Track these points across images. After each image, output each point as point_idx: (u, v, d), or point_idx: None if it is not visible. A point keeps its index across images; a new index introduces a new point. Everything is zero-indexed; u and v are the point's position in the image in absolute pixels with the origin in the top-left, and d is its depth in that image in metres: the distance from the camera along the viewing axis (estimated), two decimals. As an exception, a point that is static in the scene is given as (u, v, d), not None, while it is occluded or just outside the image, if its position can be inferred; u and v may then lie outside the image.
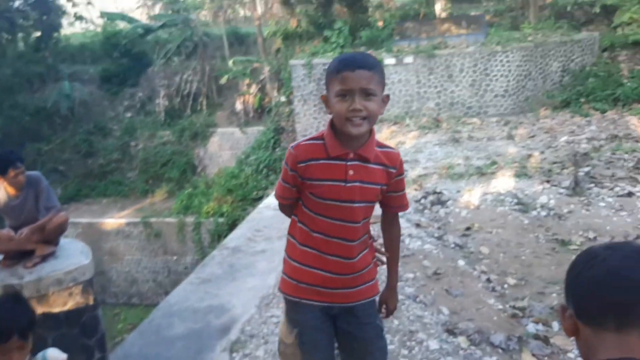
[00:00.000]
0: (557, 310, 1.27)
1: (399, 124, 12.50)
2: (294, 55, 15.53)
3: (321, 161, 1.98)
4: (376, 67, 1.89)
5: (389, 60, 13.41)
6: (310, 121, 14.12)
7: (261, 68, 17.17)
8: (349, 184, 1.97)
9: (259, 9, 19.72)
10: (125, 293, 14.96)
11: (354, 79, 1.84)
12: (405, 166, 8.68)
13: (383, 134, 11.57)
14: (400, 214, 2.22)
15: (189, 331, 4.48)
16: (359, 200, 1.99)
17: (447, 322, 4.10)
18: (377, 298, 2.26)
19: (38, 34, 19.56)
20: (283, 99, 15.78)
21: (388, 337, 3.78)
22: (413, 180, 7.83)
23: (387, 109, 13.36)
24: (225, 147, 16.95)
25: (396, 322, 3.98)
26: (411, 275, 4.80)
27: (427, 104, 13.42)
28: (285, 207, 2.21)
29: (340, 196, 1.98)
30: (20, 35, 19.46)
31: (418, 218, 6.30)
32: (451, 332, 3.94)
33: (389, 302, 2.28)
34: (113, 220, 14.83)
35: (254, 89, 17.28)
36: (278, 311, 4.32)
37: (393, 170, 2.02)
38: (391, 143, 10.52)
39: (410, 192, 7.32)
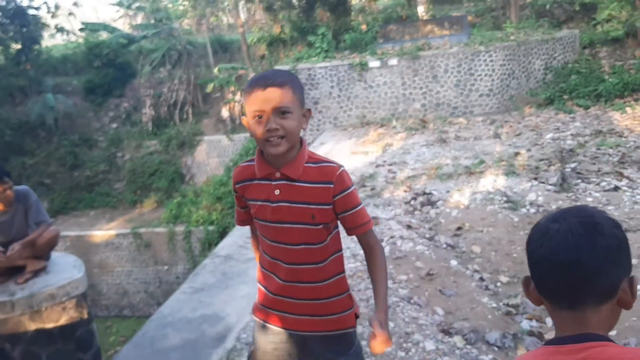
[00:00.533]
0: (522, 282, 1.27)
1: (386, 126, 12.55)
2: (278, 61, 15.55)
3: (255, 181, 1.95)
4: (288, 82, 1.82)
5: (373, 63, 13.46)
6: (297, 126, 14.11)
7: (246, 75, 17.16)
8: (274, 204, 1.90)
9: (242, 16, 19.73)
10: (117, 305, 14.84)
11: (266, 99, 1.78)
12: (394, 168, 8.72)
13: (370, 137, 11.60)
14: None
15: (184, 342, 4.46)
16: (290, 221, 1.90)
17: (442, 322, 4.13)
18: (344, 334, 2.04)
19: (18, 46, 19.35)
20: (269, 105, 15.72)
21: (384, 339, 3.79)
22: (402, 182, 7.85)
23: (374, 111, 13.49)
24: (212, 155, 16.91)
25: (391, 324, 3.99)
26: (404, 277, 4.82)
27: (413, 105, 13.48)
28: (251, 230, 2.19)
29: (267, 217, 1.93)
30: (-1, 48, 19.24)
31: (409, 220, 6.32)
32: (447, 332, 3.96)
33: (373, 325, 1.83)
34: (102, 232, 14.71)
35: (239, 96, 17.27)
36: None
37: (330, 186, 1.86)
38: (379, 145, 10.55)
39: (400, 194, 7.35)
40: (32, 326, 3.69)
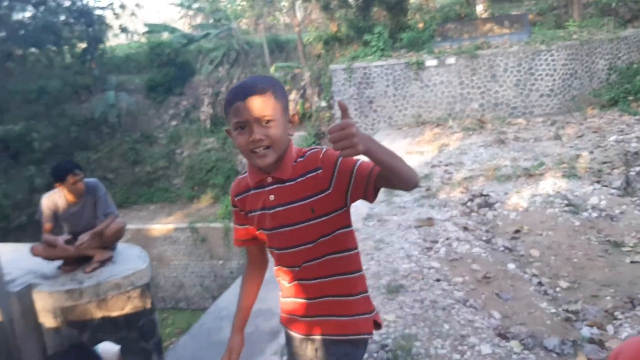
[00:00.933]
0: None
1: (442, 126, 12.40)
2: (334, 60, 15.60)
3: (250, 192, 1.87)
4: (269, 89, 1.70)
5: (430, 62, 13.32)
6: (351, 125, 14.12)
7: (301, 74, 17.30)
8: (271, 210, 1.81)
9: (299, 16, 19.88)
10: (173, 298, 15.25)
11: (246, 109, 1.67)
12: (450, 168, 8.62)
13: (425, 136, 11.49)
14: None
15: (239, 335, 4.53)
16: (290, 224, 1.80)
17: (498, 326, 4.06)
18: (354, 342, 1.89)
19: (84, 45, 20.15)
20: (323, 104, 15.85)
21: (439, 341, 3.77)
22: (458, 183, 7.75)
23: (430, 111, 13.34)
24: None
25: (447, 326, 3.96)
26: (460, 279, 4.77)
27: (470, 105, 13.26)
28: (248, 254, 2.08)
29: (267, 225, 1.84)
30: (66, 47, 20.04)
31: (465, 221, 6.24)
32: (503, 336, 3.90)
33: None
34: (160, 226, 15.14)
35: (294, 95, 17.43)
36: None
37: (319, 172, 1.75)
38: (434, 145, 10.44)
39: (456, 195, 7.26)
40: (99, 314, 3.86)
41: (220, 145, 17.32)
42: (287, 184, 1.78)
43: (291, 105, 17.37)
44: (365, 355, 3.70)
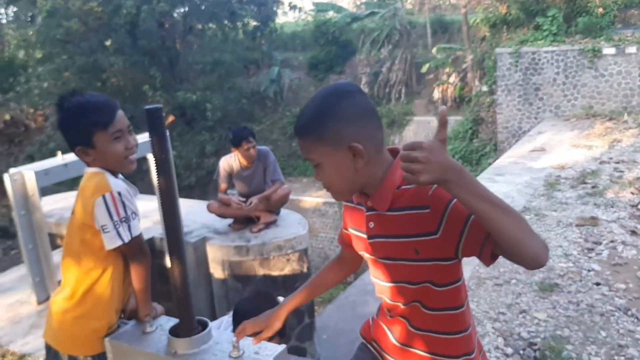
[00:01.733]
0: None
1: (615, 120, 11.40)
2: (500, 44, 14.96)
3: (354, 205, 1.62)
4: (313, 130, 1.41)
5: (608, 50, 12.28)
6: (513, 112, 13.54)
7: (463, 57, 16.84)
8: (371, 240, 1.53)
9: (466, -4, 19.27)
10: (317, 268, 15.48)
11: (301, 149, 1.48)
12: (621, 166, 7.95)
13: (595, 130, 10.66)
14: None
15: (383, 311, 4.68)
16: (390, 257, 1.50)
17: (664, 340, 3.77)
18: None
19: (255, 23, 21.40)
20: (485, 88, 15.32)
21: (593, 348, 3.60)
22: (630, 183, 7.14)
23: (602, 102, 12.32)
24: (420, 135, 17.01)
25: (603, 333, 3.78)
26: (623, 286, 4.47)
27: (650, 100, 12.06)
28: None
29: (366, 250, 1.58)
30: (239, 23, 21.44)
31: (634, 225, 5.76)
32: (669, 352, 3.61)
33: None
34: (311, 199, 15.81)
35: (454, 77, 17.04)
36: (485, 293, 4.32)
37: (425, 211, 1.38)
38: (605, 140, 9.67)
39: (626, 196, 6.71)
40: (261, 271, 4.24)
41: (375, 125, 17.55)
42: (387, 213, 1.47)
43: (449, 89, 17.01)
44: (511, 350, 3.66)
